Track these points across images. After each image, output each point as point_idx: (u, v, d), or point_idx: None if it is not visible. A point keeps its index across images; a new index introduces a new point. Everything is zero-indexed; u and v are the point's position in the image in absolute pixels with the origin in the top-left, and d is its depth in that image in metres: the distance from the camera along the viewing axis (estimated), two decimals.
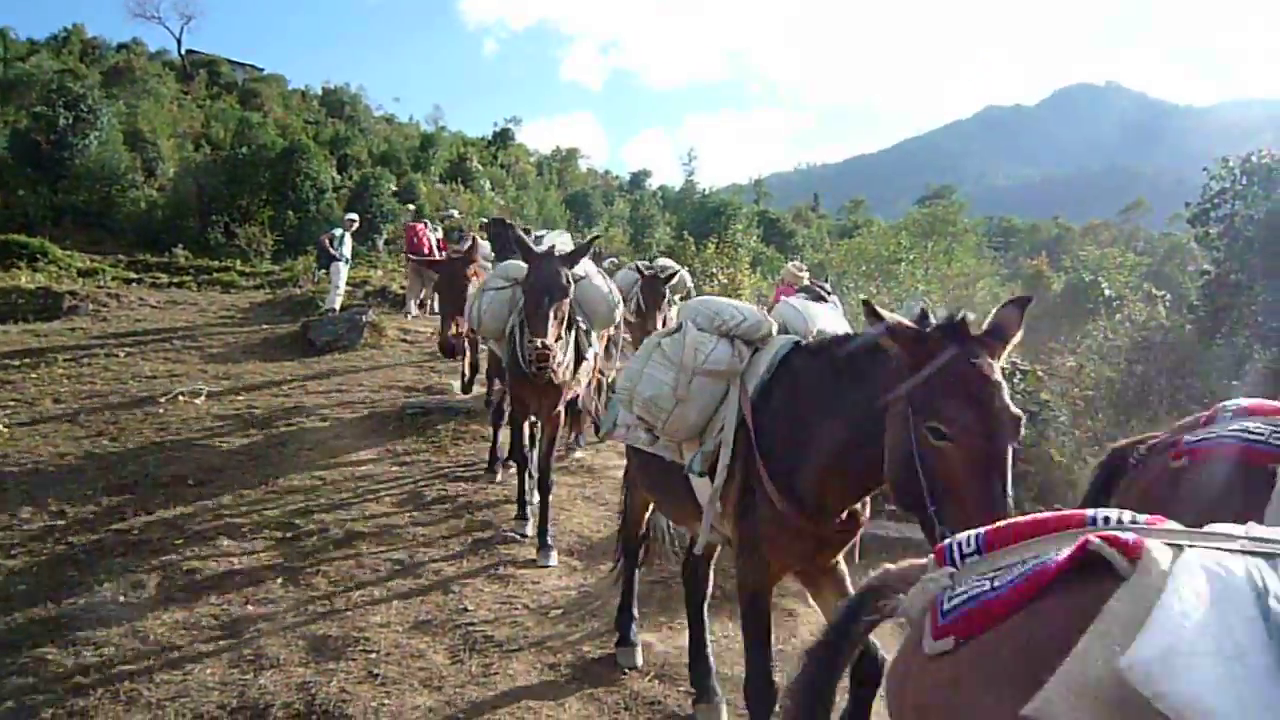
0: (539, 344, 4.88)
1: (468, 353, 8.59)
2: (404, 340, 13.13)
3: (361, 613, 4.79)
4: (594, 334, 6.07)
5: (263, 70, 52.28)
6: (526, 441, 6.42)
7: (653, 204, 46.20)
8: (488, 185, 38.59)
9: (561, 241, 8.04)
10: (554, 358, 5.03)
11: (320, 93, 49.35)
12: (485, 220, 11.60)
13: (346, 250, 14.98)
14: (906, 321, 2.45)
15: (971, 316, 2.38)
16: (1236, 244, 11.72)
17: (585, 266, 5.79)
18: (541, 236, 10.02)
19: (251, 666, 4.20)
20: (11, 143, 25.93)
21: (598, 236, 6.15)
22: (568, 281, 5.12)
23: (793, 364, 3.12)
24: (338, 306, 14.46)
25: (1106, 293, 29.38)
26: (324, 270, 15.52)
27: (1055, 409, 8.63)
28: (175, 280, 20.63)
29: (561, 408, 5.83)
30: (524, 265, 5.35)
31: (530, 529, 5.96)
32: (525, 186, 43.43)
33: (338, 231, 15.18)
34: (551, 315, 4.98)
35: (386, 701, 3.90)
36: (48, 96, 26.94)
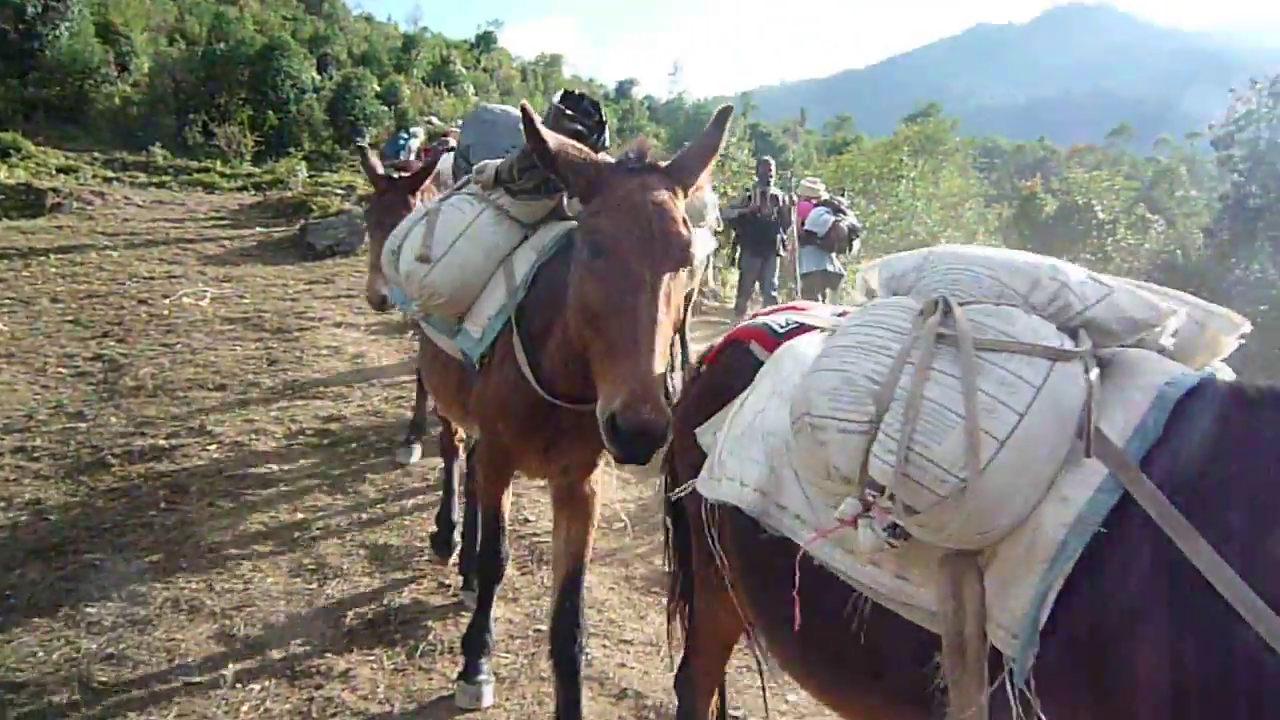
0: (645, 410, 1.88)
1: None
2: None
3: (417, 522, 4.65)
4: None
5: None
6: (504, 536, 3.20)
7: (641, 114, 45.22)
8: (471, 90, 37.46)
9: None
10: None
11: None
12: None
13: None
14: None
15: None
16: (1259, 168, 11.56)
17: None
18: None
19: (315, 576, 4.05)
20: None
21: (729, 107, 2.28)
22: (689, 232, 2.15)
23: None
24: None
25: (1100, 216, 29.36)
26: None
27: None
28: (155, 180, 19.95)
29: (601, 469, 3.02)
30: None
31: None
32: (509, 92, 42.26)
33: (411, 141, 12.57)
34: (662, 323, 2.01)
35: (464, 613, 3.78)
36: None
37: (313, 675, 3.33)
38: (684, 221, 2.11)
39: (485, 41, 47.52)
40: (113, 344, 7.71)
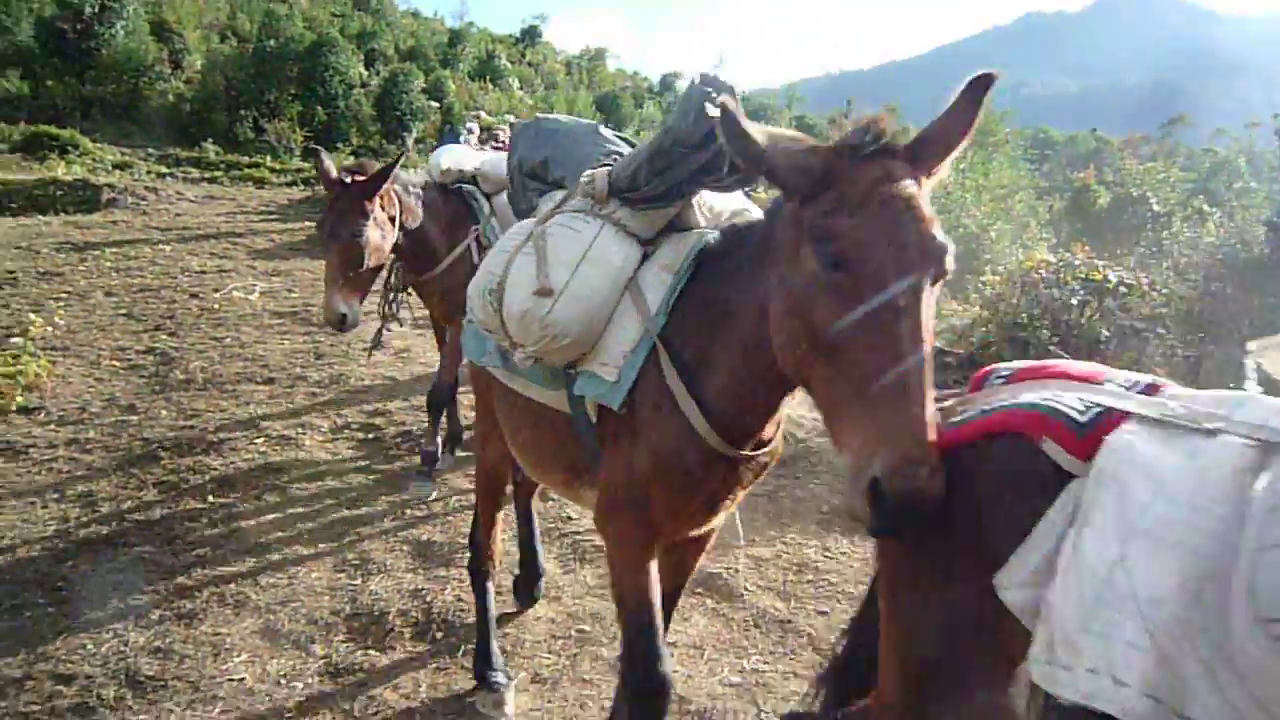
0: (921, 474, 1.49)
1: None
2: None
3: (461, 518, 4.62)
4: None
5: None
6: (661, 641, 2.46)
7: None
8: (516, 84, 37.54)
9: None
10: None
11: None
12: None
13: None
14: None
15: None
16: None
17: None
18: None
19: (359, 571, 4.05)
20: (38, 31, 25.25)
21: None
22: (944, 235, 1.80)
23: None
24: None
25: (1155, 208, 28.62)
26: None
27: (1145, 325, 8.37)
28: (207, 175, 20.34)
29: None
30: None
31: None
32: (554, 86, 42.28)
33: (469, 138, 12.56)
34: (930, 355, 1.67)
35: (506, 611, 3.75)
36: None
37: (355, 673, 3.32)
38: (936, 221, 1.70)
39: (530, 35, 47.61)
40: (164, 337, 7.83)
